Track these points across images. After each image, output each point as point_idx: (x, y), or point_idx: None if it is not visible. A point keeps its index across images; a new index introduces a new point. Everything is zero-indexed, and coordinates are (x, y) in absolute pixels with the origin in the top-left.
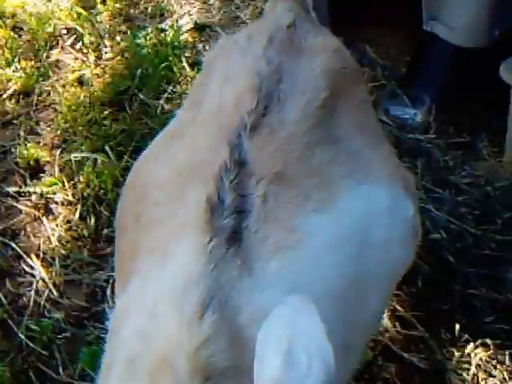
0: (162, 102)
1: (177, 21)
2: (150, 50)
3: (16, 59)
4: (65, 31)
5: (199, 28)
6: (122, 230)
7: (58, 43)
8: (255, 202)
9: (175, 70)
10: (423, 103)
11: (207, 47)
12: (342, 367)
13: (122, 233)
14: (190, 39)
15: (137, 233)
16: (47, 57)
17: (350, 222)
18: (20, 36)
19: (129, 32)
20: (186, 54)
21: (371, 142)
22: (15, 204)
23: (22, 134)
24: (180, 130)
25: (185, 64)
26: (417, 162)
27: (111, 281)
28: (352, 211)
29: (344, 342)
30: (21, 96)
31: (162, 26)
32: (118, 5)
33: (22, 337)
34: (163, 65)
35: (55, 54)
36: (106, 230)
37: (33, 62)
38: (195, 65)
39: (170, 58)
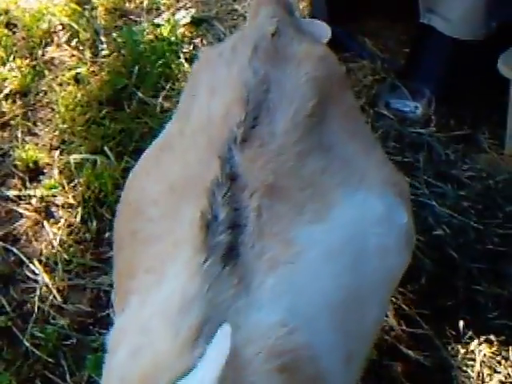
0: (160, 99)
1: (173, 15)
2: (146, 46)
3: (11, 58)
4: (60, 27)
5: (196, 22)
6: (119, 246)
7: (53, 40)
8: (250, 216)
9: (173, 66)
10: (423, 96)
11: (205, 42)
12: (345, 379)
13: (119, 249)
14: (187, 34)
15: (133, 250)
16: (42, 54)
17: (346, 232)
18: (14, 33)
19: (125, 28)
20: (184, 50)
21: (363, 148)
22: (16, 208)
23: (19, 135)
24: (168, 142)
25: (182, 60)
26: (419, 156)
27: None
28: (347, 221)
29: (346, 353)
30: (17, 96)
31: (159, 20)
32: (112, 0)
33: (28, 344)
34: (160, 61)
35: (50, 51)
36: (108, 233)
37: (28, 61)
38: (193, 61)
39: (167, 54)
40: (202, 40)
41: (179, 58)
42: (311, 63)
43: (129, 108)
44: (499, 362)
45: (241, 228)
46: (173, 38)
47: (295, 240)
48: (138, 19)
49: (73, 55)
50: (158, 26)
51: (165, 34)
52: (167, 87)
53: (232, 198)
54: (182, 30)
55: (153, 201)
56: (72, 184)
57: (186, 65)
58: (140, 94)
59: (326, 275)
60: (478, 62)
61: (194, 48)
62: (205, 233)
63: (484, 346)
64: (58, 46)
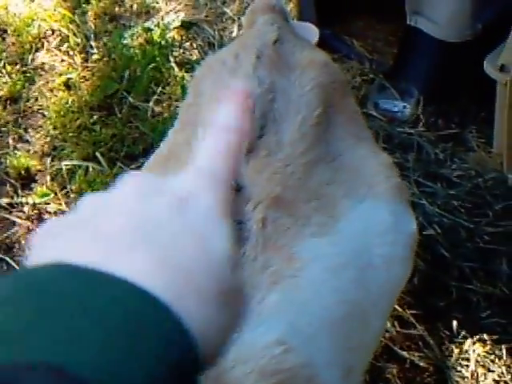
0: (151, 104)
1: (163, 18)
2: (137, 51)
3: (1, 64)
4: (50, 33)
5: (186, 26)
6: None
7: (43, 45)
8: (253, 228)
9: (163, 70)
10: (411, 96)
11: (194, 45)
12: None
13: None
14: (177, 37)
15: None
16: (33, 60)
17: (352, 245)
18: (4, 39)
19: (115, 32)
20: (174, 54)
21: (369, 154)
22: (8, 216)
23: (10, 142)
24: (175, 152)
25: (173, 64)
26: (408, 156)
27: None
28: (353, 233)
29: (346, 368)
30: (8, 102)
31: (149, 24)
32: (102, 4)
33: None
34: (151, 66)
35: (41, 56)
36: None
37: (18, 66)
38: (183, 64)
39: (158, 59)
40: (191, 44)
41: (170, 61)
42: (315, 70)
43: (120, 113)
44: (493, 361)
45: (243, 241)
46: (163, 42)
47: (299, 254)
48: (127, 23)
49: (63, 60)
50: (148, 29)
51: (155, 38)
52: (158, 91)
53: (235, 211)
54: (172, 33)
55: None
56: (64, 191)
57: (177, 69)
58: (131, 99)
59: (329, 290)
60: (464, 62)
61: (184, 52)
62: None
63: (478, 345)
64: (49, 51)
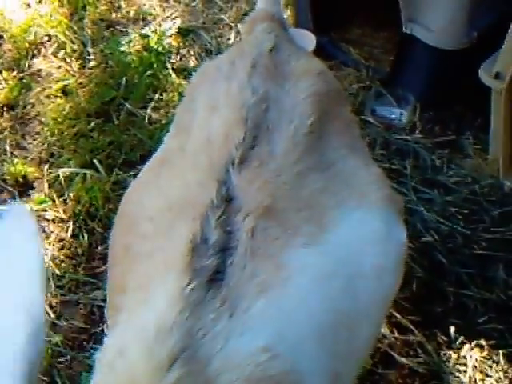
0: (149, 111)
1: (160, 25)
2: (134, 58)
3: None
4: (46, 39)
5: (183, 32)
6: (113, 261)
7: (39, 52)
8: (241, 237)
9: (161, 77)
10: (408, 102)
11: (192, 52)
12: None
13: (113, 264)
14: (174, 44)
15: (125, 266)
16: (29, 66)
17: (340, 254)
18: (0, 45)
19: (112, 38)
20: (171, 60)
21: (363, 163)
22: None
23: (8, 148)
24: (168, 158)
25: (170, 70)
26: (405, 163)
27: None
28: (343, 242)
29: (333, 374)
30: (5, 109)
31: (146, 31)
32: (99, 10)
33: None
34: (148, 72)
35: (37, 63)
36: (99, 248)
37: (15, 73)
38: (180, 71)
39: (155, 65)
40: (189, 50)
41: (167, 68)
42: (310, 79)
43: (117, 120)
44: (490, 366)
45: (231, 250)
46: (160, 49)
47: (287, 263)
48: (124, 30)
49: (60, 67)
50: (145, 36)
51: (152, 45)
52: (155, 98)
53: (225, 221)
54: (168, 40)
55: (149, 217)
56: (62, 198)
57: (174, 75)
58: (128, 106)
59: (316, 299)
60: (460, 70)
61: (181, 58)
62: (192, 256)
63: (475, 350)
64: (45, 57)
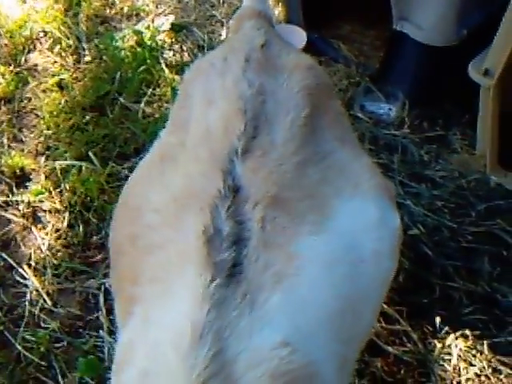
0: (142, 105)
1: (153, 21)
2: (128, 53)
3: None
4: (42, 34)
5: (175, 28)
6: (118, 251)
7: (35, 47)
8: (253, 228)
9: (154, 72)
10: (397, 98)
11: (184, 47)
12: (340, 382)
13: (119, 254)
14: (167, 40)
15: (135, 257)
16: (26, 61)
17: (343, 242)
18: None
19: (106, 34)
20: (164, 55)
21: (354, 154)
22: (3, 214)
23: (5, 141)
24: (169, 153)
25: (163, 66)
26: (393, 158)
27: (103, 288)
28: (345, 229)
29: (341, 361)
30: (2, 103)
31: (139, 27)
32: (93, 6)
33: (20, 348)
34: (142, 67)
35: (33, 57)
36: (95, 237)
37: (12, 67)
38: (173, 66)
39: (148, 61)
40: (181, 46)
41: (160, 63)
42: (301, 73)
43: (112, 114)
44: (474, 356)
45: (245, 241)
46: (153, 45)
47: (298, 252)
48: (118, 26)
49: (55, 62)
50: (139, 32)
51: (145, 41)
52: (149, 93)
53: (235, 211)
54: (161, 36)
55: (154, 209)
56: (58, 189)
57: (167, 70)
58: (122, 100)
59: (324, 287)
60: (449, 67)
61: (174, 54)
62: (209, 249)
63: (460, 340)
64: (41, 52)
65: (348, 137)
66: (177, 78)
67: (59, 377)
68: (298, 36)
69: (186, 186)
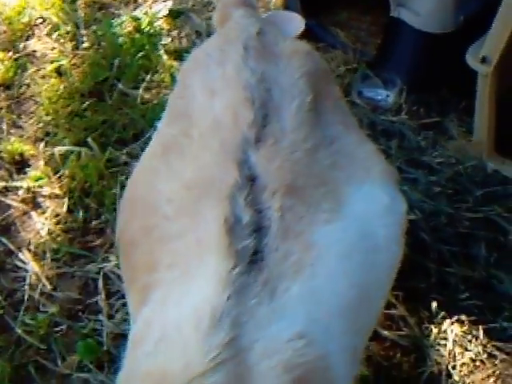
0: (140, 91)
1: (151, 7)
2: (126, 39)
3: None
4: (40, 20)
5: (173, 14)
6: (131, 242)
7: (34, 33)
8: (273, 217)
9: (152, 58)
10: (394, 85)
11: (182, 34)
12: (350, 374)
13: (131, 246)
14: (165, 26)
15: (150, 247)
16: (24, 47)
17: (358, 229)
18: None
19: (104, 20)
20: (162, 42)
21: (359, 139)
22: (3, 199)
23: (4, 127)
24: (173, 144)
25: (161, 52)
26: (391, 144)
27: (102, 272)
28: (358, 216)
29: (352, 352)
30: (1, 89)
31: (137, 13)
32: None
33: (20, 332)
34: (140, 54)
35: (32, 44)
36: (94, 222)
37: (10, 54)
38: (171, 52)
39: (147, 47)
40: (179, 32)
41: (158, 49)
42: (300, 59)
43: (110, 100)
44: (470, 341)
45: (265, 230)
46: (151, 31)
47: (315, 241)
48: (116, 12)
49: (54, 48)
50: (137, 18)
51: (143, 27)
52: (147, 79)
53: (254, 200)
54: (159, 22)
55: (167, 199)
56: (57, 175)
57: (165, 56)
58: (121, 86)
59: (340, 276)
60: (446, 53)
61: (172, 40)
62: (230, 237)
63: (455, 325)
64: (40, 38)
65: (350, 121)
66: (175, 63)
67: (59, 360)
68: (296, 22)
69: (199, 176)
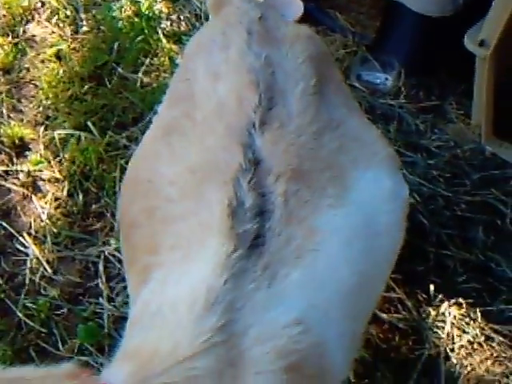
0: (140, 75)
1: None
2: (125, 23)
3: None
4: (40, 5)
5: None
6: (132, 224)
7: (33, 18)
8: (277, 201)
9: (151, 42)
10: (393, 68)
11: (182, 17)
12: (348, 359)
13: (133, 227)
14: (165, 9)
15: (152, 229)
16: (24, 32)
17: (362, 215)
18: None
19: (103, 4)
20: (162, 25)
21: (363, 122)
22: (4, 183)
23: (4, 112)
24: (175, 126)
25: (160, 36)
26: (389, 127)
27: (103, 256)
28: (362, 203)
29: (351, 338)
30: (1, 73)
31: None
32: None
33: (21, 315)
34: (139, 37)
35: (32, 28)
36: (94, 206)
37: (10, 38)
38: (171, 36)
39: (146, 31)
40: (179, 16)
41: (157, 33)
42: (302, 43)
43: (110, 84)
44: (468, 323)
45: (268, 213)
46: (151, 14)
47: (318, 227)
48: None
49: (53, 32)
50: (136, 2)
51: (143, 10)
52: (147, 62)
53: (258, 184)
54: (159, 5)
55: (170, 181)
56: (57, 159)
57: (164, 40)
58: (120, 70)
59: (342, 262)
60: (445, 37)
61: (171, 24)
62: (232, 220)
63: (453, 308)
64: (39, 23)
65: (353, 105)
66: (174, 47)
67: (59, 343)
68: (295, 6)
69: (203, 159)
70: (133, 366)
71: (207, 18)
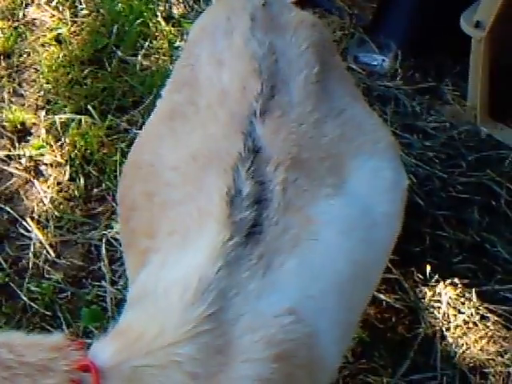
0: (139, 58)
1: None
2: (124, 6)
3: None
4: None
5: None
6: (132, 207)
7: (33, 1)
8: (275, 190)
9: (150, 25)
10: (390, 50)
11: (180, 0)
12: (341, 349)
13: (132, 210)
14: None
15: (151, 212)
16: (24, 16)
17: (360, 205)
18: None
19: None
20: (160, 8)
21: (366, 110)
22: (6, 168)
23: (5, 96)
24: (178, 111)
25: (159, 18)
26: (386, 109)
27: (105, 239)
28: (361, 193)
29: (345, 328)
30: (1, 57)
31: None
32: None
33: (25, 299)
34: (138, 20)
35: (31, 12)
36: (95, 190)
37: (10, 22)
38: (169, 19)
39: (145, 14)
40: None
41: (156, 16)
42: (306, 30)
43: (110, 67)
44: (463, 303)
45: (266, 202)
46: None
47: (315, 216)
48: None
49: (53, 15)
50: None
51: None
52: (146, 46)
53: (256, 172)
54: None
55: (172, 166)
56: (59, 143)
57: (163, 23)
58: (120, 53)
59: (340, 252)
60: (441, 18)
61: (170, 7)
62: (229, 208)
63: (449, 288)
64: (39, 6)
65: (357, 93)
66: (173, 30)
67: (64, 326)
68: None
69: (206, 146)
70: (119, 344)
71: (206, 1)
